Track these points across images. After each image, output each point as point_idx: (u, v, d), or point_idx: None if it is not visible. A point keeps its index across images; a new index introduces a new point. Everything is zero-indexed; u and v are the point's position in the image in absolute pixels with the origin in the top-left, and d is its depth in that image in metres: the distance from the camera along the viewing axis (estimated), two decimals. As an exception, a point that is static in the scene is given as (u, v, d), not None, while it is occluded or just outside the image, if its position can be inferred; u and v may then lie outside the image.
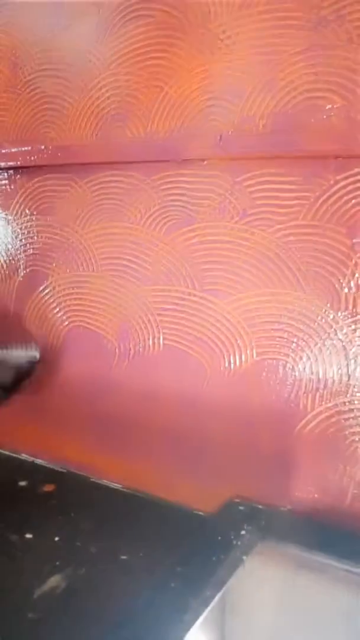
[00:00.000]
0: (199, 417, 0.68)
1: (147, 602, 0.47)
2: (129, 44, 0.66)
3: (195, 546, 0.55)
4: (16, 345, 0.77)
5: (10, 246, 0.80)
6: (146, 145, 0.66)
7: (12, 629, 0.45)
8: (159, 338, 0.70)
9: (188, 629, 0.43)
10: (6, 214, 0.80)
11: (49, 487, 0.71)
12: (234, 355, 0.65)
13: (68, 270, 0.76)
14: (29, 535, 0.59)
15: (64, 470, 0.76)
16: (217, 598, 0.47)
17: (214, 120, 0.61)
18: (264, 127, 0.58)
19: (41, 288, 0.79)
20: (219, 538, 0.55)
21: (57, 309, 0.77)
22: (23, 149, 0.75)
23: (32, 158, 0.74)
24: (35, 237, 0.78)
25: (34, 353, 0.76)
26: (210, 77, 0.61)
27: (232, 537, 0.56)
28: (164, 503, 0.67)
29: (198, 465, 0.70)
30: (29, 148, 0.75)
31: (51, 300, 0.78)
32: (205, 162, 0.63)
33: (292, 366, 0.62)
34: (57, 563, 0.54)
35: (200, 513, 0.65)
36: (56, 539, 0.59)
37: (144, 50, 0.65)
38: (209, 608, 0.45)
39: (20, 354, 0.76)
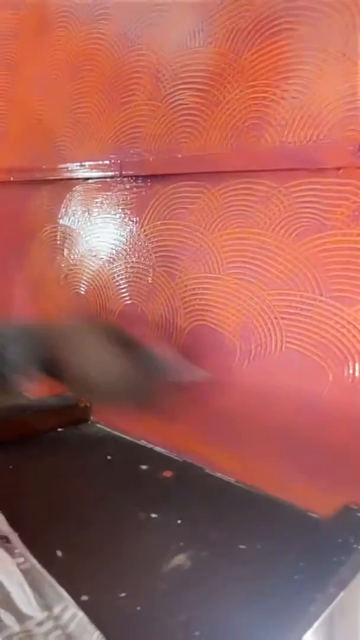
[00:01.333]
0: (318, 421, 0.70)
1: (272, 589, 0.49)
2: (268, 57, 0.69)
3: (314, 545, 0.57)
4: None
5: (143, 248, 0.87)
6: (281, 154, 0.69)
7: (147, 593, 0.50)
8: (280, 340, 0.72)
9: (314, 621, 0.45)
10: (140, 218, 0.86)
11: (167, 473, 0.75)
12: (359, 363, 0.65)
13: (194, 271, 0.81)
14: (154, 515, 0.64)
15: (180, 460, 0.80)
16: (340, 596, 0.48)
17: (352, 130, 0.62)
18: None
19: (169, 287, 0.84)
20: (339, 540, 0.56)
21: (182, 307, 0.82)
22: (160, 157, 0.81)
23: (169, 167, 0.80)
24: (166, 241, 0.83)
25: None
26: (351, 88, 0.62)
27: (352, 541, 0.56)
28: (277, 501, 0.68)
29: (313, 469, 0.71)
30: (166, 157, 0.80)
31: (177, 298, 0.83)
32: (341, 171, 0.64)
33: None
34: (181, 543, 0.59)
35: (314, 515, 0.66)
36: (178, 521, 0.63)
37: (284, 62, 0.68)
38: (333, 604, 0.47)
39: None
